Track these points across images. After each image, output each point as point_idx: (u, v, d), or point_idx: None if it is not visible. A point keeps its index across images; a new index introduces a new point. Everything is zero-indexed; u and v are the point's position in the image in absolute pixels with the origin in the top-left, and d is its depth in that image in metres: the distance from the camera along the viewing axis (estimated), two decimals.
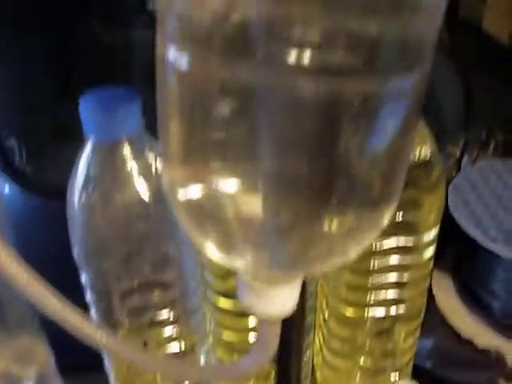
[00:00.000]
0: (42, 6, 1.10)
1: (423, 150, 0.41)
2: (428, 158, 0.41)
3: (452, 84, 1.06)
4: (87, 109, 0.36)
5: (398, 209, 0.41)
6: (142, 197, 0.39)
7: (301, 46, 0.18)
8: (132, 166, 0.38)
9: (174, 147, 0.24)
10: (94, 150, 0.38)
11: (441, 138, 0.86)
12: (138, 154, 0.38)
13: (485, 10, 1.49)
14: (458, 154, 0.81)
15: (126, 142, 0.37)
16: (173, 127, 0.24)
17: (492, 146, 0.82)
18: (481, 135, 0.82)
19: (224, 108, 0.21)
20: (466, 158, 0.80)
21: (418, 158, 0.41)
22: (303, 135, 0.21)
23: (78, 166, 0.39)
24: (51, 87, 1.09)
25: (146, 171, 0.38)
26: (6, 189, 0.89)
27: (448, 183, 0.73)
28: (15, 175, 0.90)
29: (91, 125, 0.36)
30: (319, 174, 0.23)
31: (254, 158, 0.23)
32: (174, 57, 0.20)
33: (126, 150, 0.37)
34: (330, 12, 0.18)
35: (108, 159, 0.38)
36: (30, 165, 0.95)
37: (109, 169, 0.38)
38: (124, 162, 0.38)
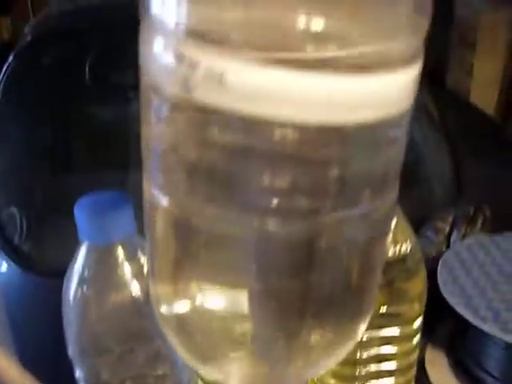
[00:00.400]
0: (44, 89, 1.14)
1: (403, 245, 0.43)
2: (408, 251, 0.43)
3: (441, 158, 1.09)
4: (81, 214, 0.38)
5: (382, 303, 0.43)
6: (135, 296, 0.40)
7: (269, 192, 0.20)
8: (125, 267, 0.40)
9: (159, 266, 0.26)
10: (88, 252, 0.40)
11: (430, 214, 0.89)
12: (131, 256, 0.40)
13: (471, 82, 1.54)
14: (447, 229, 0.83)
15: (119, 244, 0.39)
16: (158, 250, 0.26)
17: (480, 222, 0.83)
18: (469, 211, 0.84)
19: (204, 238, 0.23)
20: (455, 234, 0.82)
21: (399, 252, 0.43)
22: (278, 263, 0.23)
23: (73, 267, 0.41)
24: (52, 161, 1.12)
25: (138, 272, 0.40)
26: (4, 266, 0.90)
27: (438, 259, 0.75)
28: (14, 253, 0.91)
29: (85, 229, 0.38)
30: (296, 294, 0.25)
31: (237, 279, 0.24)
32: (158, 196, 0.23)
33: (119, 252, 0.39)
34: (297, 161, 0.20)
35: (102, 261, 0.40)
36: (29, 242, 0.97)
37: (103, 270, 0.40)
38: (117, 263, 0.40)
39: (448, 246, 0.81)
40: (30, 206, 1.03)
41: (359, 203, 0.23)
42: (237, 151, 0.20)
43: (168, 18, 0.20)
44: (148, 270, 0.28)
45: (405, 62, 0.21)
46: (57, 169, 1.11)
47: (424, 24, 0.22)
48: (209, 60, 0.19)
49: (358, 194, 0.23)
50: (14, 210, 1.01)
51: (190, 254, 0.24)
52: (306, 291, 0.24)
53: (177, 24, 0.19)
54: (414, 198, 1.00)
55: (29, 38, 1.25)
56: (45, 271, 0.85)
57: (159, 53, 0.20)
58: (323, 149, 0.21)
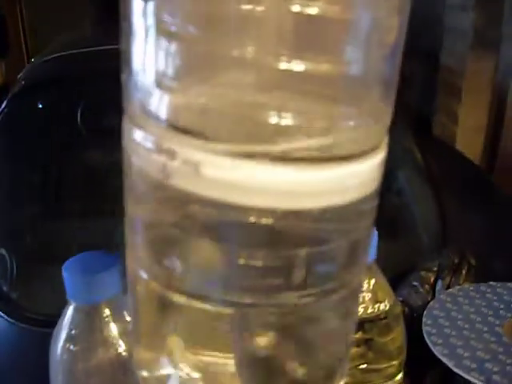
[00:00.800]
0: (36, 134, 1.15)
1: (383, 303, 0.44)
2: (387, 308, 0.44)
3: (427, 205, 1.10)
4: (69, 275, 0.39)
5: (363, 360, 0.44)
6: (121, 354, 0.41)
7: (244, 269, 0.22)
8: (111, 325, 0.41)
9: (141, 333, 0.27)
10: (75, 311, 0.41)
11: (417, 262, 0.89)
12: (117, 315, 0.41)
13: (457, 129, 1.57)
14: (432, 279, 0.84)
15: (106, 304, 0.40)
16: (139, 318, 0.27)
17: (465, 271, 0.85)
18: (454, 260, 0.85)
19: (183, 311, 0.24)
20: (439, 284, 0.83)
21: (378, 310, 0.44)
22: (252, 331, 0.24)
23: (60, 324, 0.42)
24: (42, 206, 1.12)
25: (124, 330, 0.41)
26: None
27: (423, 309, 0.76)
28: (2, 301, 0.91)
29: (73, 290, 0.39)
30: (276, 362, 0.26)
31: (217, 349, 0.25)
32: (138, 269, 0.24)
33: (106, 312, 0.40)
34: (269, 242, 0.22)
35: (88, 319, 0.41)
36: (18, 289, 0.97)
37: (89, 328, 0.41)
38: (104, 322, 0.40)
39: (433, 296, 0.82)
40: (19, 248, 1.03)
41: (329, 280, 0.24)
42: (212, 231, 0.22)
43: (149, 110, 0.21)
44: (131, 335, 0.29)
45: (369, 150, 0.22)
46: (47, 213, 1.12)
47: (388, 111, 0.23)
48: (185, 151, 0.20)
49: (327, 270, 0.24)
50: (3, 251, 1.01)
51: (169, 325, 0.25)
52: (283, 359, 0.25)
53: (157, 117, 0.21)
54: (400, 246, 1.02)
55: (22, 83, 1.27)
56: (33, 321, 0.85)
57: (140, 140, 0.22)
58: (293, 230, 0.22)
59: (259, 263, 0.22)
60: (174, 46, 0.20)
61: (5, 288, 0.95)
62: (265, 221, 0.21)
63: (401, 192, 1.13)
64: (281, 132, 0.20)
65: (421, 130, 1.42)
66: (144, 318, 0.27)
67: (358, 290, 0.26)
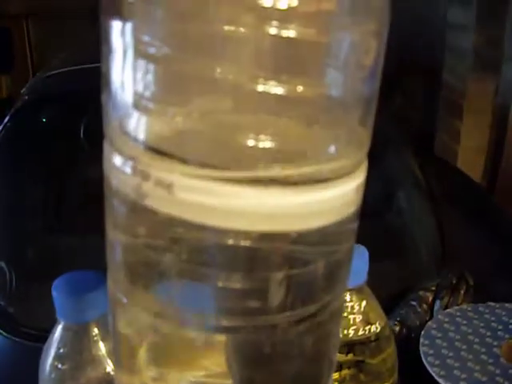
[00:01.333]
0: (39, 149, 1.16)
1: (374, 324, 0.44)
2: (379, 330, 0.44)
3: (427, 224, 1.10)
4: (58, 294, 0.39)
5: (354, 381, 0.44)
6: (109, 373, 0.41)
7: (223, 292, 0.22)
8: (99, 344, 0.40)
9: (122, 357, 0.27)
10: (64, 329, 0.41)
11: (416, 281, 0.89)
12: (106, 334, 0.40)
13: (458, 148, 1.57)
14: (430, 299, 0.83)
15: (95, 323, 0.40)
16: (120, 343, 0.27)
17: (463, 291, 0.84)
18: (452, 280, 0.85)
19: (162, 336, 0.24)
20: (437, 304, 0.82)
21: (369, 332, 0.43)
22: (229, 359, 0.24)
23: (50, 342, 0.42)
24: (43, 221, 1.13)
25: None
26: None
27: (421, 329, 0.75)
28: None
29: (62, 308, 0.39)
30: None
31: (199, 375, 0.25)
32: (117, 292, 0.24)
33: (94, 331, 0.40)
34: (248, 264, 0.22)
35: (77, 338, 0.40)
36: (16, 303, 0.97)
37: (78, 347, 0.41)
38: (92, 341, 0.40)
39: (431, 316, 0.82)
40: (19, 262, 1.03)
41: (309, 301, 0.24)
42: (190, 254, 0.22)
43: (126, 131, 0.21)
44: (112, 358, 0.29)
45: (347, 173, 0.22)
46: (48, 228, 1.12)
47: (367, 135, 0.23)
48: (159, 172, 0.21)
49: (307, 292, 0.24)
50: (2, 264, 1.01)
51: (147, 349, 0.25)
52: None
53: (134, 138, 0.21)
54: (400, 265, 1.01)
55: (25, 98, 1.28)
56: (29, 336, 0.85)
57: (118, 163, 0.22)
58: (271, 253, 0.22)
59: (237, 285, 0.22)
60: (151, 67, 0.20)
61: (2, 302, 0.95)
62: (242, 243, 0.21)
63: (401, 211, 1.13)
64: (258, 155, 0.20)
65: (422, 149, 1.42)
66: (123, 344, 0.26)
67: (340, 311, 0.26)
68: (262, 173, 0.20)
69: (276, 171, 0.21)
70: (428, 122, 1.76)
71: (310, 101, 0.21)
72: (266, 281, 0.22)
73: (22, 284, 0.99)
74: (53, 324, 0.42)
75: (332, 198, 0.22)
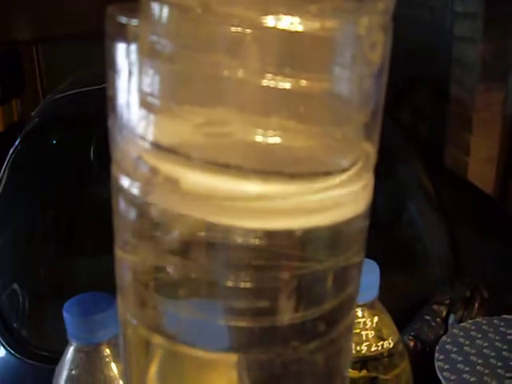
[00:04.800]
0: (49, 172, 1.16)
1: (387, 340, 0.43)
2: (392, 346, 0.44)
3: (439, 237, 1.09)
4: (69, 316, 0.39)
5: None
6: None
7: (232, 293, 0.22)
8: (111, 365, 0.40)
9: (133, 379, 0.27)
10: (75, 351, 0.41)
11: (429, 294, 0.89)
12: (118, 355, 0.40)
13: (468, 160, 1.57)
14: (444, 312, 0.83)
15: (106, 344, 0.40)
16: (131, 364, 0.27)
17: (478, 304, 0.83)
18: (466, 293, 0.84)
19: (173, 359, 0.24)
20: (452, 317, 0.82)
21: (382, 347, 0.43)
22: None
23: (61, 364, 0.42)
24: (54, 244, 1.13)
25: None
26: (1, 352, 0.90)
27: (435, 343, 0.75)
28: (12, 338, 0.91)
29: (73, 330, 0.39)
30: None
31: None
32: (127, 314, 0.24)
33: (106, 352, 0.40)
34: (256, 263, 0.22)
35: (89, 360, 0.40)
36: (28, 326, 0.97)
37: (90, 368, 0.41)
38: (104, 362, 0.40)
39: (446, 330, 0.81)
40: (31, 285, 1.04)
41: (321, 303, 0.24)
42: (198, 255, 0.22)
43: (135, 129, 0.21)
44: (123, 380, 0.29)
45: (354, 169, 0.22)
46: (60, 250, 1.12)
47: (373, 151, 0.23)
48: (166, 168, 0.21)
49: (319, 293, 0.24)
50: (15, 286, 1.01)
51: (161, 370, 0.25)
52: None
53: (141, 136, 0.21)
54: (411, 278, 1.01)
55: (35, 121, 1.29)
56: (42, 358, 0.85)
57: (127, 158, 0.22)
58: (278, 251, 0.22)
59: (248, 285, 0.22)
60: (158, 66, 0.20)
61: (15, 324, 0.96)
62: (251, 241, 0.21)
63: (412, 223, 1.13)
64: (266, 151, 0.20)
65: (432, 161, 1.42)
66: (134, 364, 0.26)
67: (351, 328, 0.26)
68: (269, 168, 0.20)
69: (283, 167, 0.21)
70: (437, 135, 1.75)
71: (317, 97, 0.21)
72: (275, 281, 0.22)
73: (34, 306, 0.99)
74: (65, 346, 0.42)
75: (339, 195, 0.22)
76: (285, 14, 0.19)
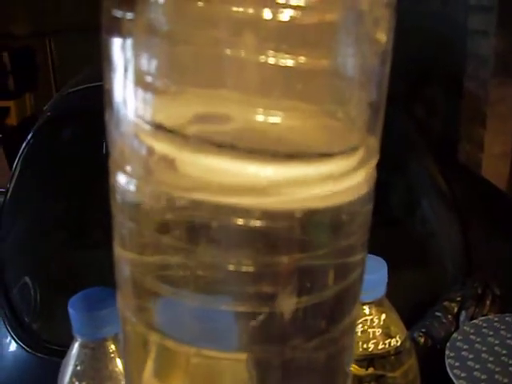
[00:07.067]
0: (61, 165, 1.17)
1: (395, 338, 0.43)
2: (399, 344, 0.43)
3: (451, 233, 1.08)
4: (74, 310, 0.39)
5: None
6: None
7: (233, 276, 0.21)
8: (116, 361, 0.40)
9: (133, 375, 0.27)
10: (81, 346, 0.40)
11: (442, 290, 0.88)
12: None
13: (482, 155, 1.55)
14: (455, 309, 0.82)
15: (111, 339, 0.40)
16: (131, 361, 0.26)
17: (489, 301, 0.83)
18: (478, 290, 0.83)
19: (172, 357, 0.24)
20: (463, 314, 0.81)
21: (389, 345, 0.43)
22: None
23: (67, 360, 0.42)
24: (66, 237, 1.13)
25: None
26: (12, 346, 0.91)
27: (446, 340, 0.74)
28: (23, 332, 0.92)
29: (78, 325, 0.39)
30: None
31: None
32: (126, 311, 0.24)
33: (111, 347, 0.40)
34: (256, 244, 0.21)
35: (94, 355, 0.40)
36: (40, 319, 0.97)
37: (95, 363, 0.41)
38: (109, 357, 0.40)
39: (457, 327, 0.80)
40: (43, 278, 1.04)
41: (322, 289, 0.23)
42: (197, 238, 0.21)
43: (131, 109, 0.21)
44: (124, 377, 0.29)
45: (355, 150, 0.22)
46: (71, 243, 1.13)
47: (376, 143, 0.23)
48: (162, 148, 0.20)
49: (321, 278, 0.23)
50: (27, 279, 1.02)
51: (159, 366, 0.24)
52: None
53: (137, 115, 0.21)
54: (424, 275, 1.00)
55: (48, 115, 1.29)
56: (53, 352, 0.86)
57: (125, 138, 0.22)
58: (279, 234, 0.21)
59: (249, 269, 0.21)
60: (156, 44, 0.20)
61: (26, 318, 0.96)
62: (250, 223, 0.20)
63: (425, 220, 1.12)
64: (266, 131, 0.20)
65: (445, 157, 1.40)
66: (133, 360, 0.26)
67: (353, 326, 0.26)
68: (267, 148, 0.20)
69: (281, 147, 0.20)
70: (450, 130, 1.74)
71: (317, 75, 0.20)
72: (276, 265, 0.22)
73: (45, 300, 1.00)
74: None
75: (339, 177, 0.21)
76: None
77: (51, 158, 1.24)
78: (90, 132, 1.19)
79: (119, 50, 0.21)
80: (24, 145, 1.20)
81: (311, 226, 0.22)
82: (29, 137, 1.22)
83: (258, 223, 0.21)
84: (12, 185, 1.16)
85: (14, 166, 1.19)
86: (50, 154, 1.24)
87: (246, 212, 0.21)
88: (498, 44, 1.49)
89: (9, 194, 1.15)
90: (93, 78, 1.23)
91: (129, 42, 0.20)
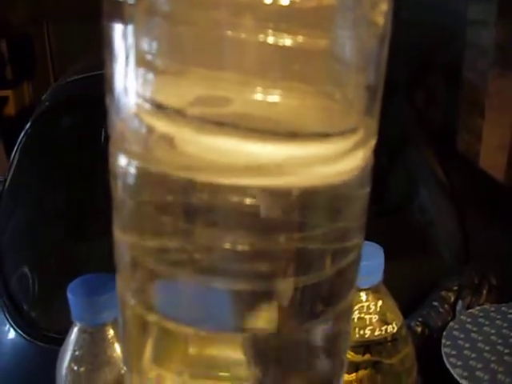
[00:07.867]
0: (59, 154, 1.17)
1: (391, 324, 0.43)
2: (396, 330, 0.44)
3: (449, 223, 1.09)
4: (73, 295, 0.39)
5: (372, 382, 0.43)
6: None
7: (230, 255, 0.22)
8: (115, 346, 0.41)
9: (132, 358, 0.27)
10: (79, 332, 0.41)
11: (439, 280, 0.88)
12: None
13: (480, 146, 1.55)
14: (452, 299, 0.82)
15: (110, 325, 0.40)
16: (130, 343, 0.27)
17: (486, 291, 0.83)
18: (474, 279, 0.84)
19: (170, 337, 0.24)
20: (460, 304, 0.81)
21: (386, 332, 0.43)
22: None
23: (66, 345, 0.42)
24: (65, 227, 1.14)
25: None
26: (11, 334, 0.91)
27: (443, 329, 0.74)
28: (21, 320, 0.92)
29: (77, 311, 0.40)
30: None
31: (207, 371, 0.25)
32: (126, 294, 0.24)
33: (110, 333, 0.40)
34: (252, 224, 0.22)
35: (93, 340, 0.41)
36: (38, 307, 0.98)
37: (93, 349, 0.41)
38: (108, 343, 0.41)
39: (453, 316, 0.81)
40: (42, 267, 1.04)
41: (319, 268, 0.23)
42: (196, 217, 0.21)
43: (132, 89, 0.21)
44: (122, 360, 0.29)
45: (351, 131, 0.22)
46: (70, 233, 1.13)
47: (374, 125, 0.23)
48: (162, 126, 0.21)
49: (318, 258, 0.23)
50: (25, 269, 1.02)
51: (158, 350, 0.25)
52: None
53: (138, 94, 0.21)
54: (421, 264, 1.00)
55: (46, 104, 1.29)
56: (51, 340, 0.86)
57: (125, 119, 0.22)
58: (278, 213, 0.22)
59: (246, 248, 0.21)
60: (157, 24, 0.20)
61: (25, 306, 0.96)
62: (247, 201, 0.21)
63: (423, 209, 1.12)
64: (264, 110, 0.20)
65: (444, 147, 1.40)
66: (133, 346, 0.26)
67: (349, 311, 0.26)
68: (266, 128, 0.20)
69: (281, 126, 0.20)
70: (449, 121, 1.74)
71: (316, 56, 0.21)
72: (273, 244, 0.22)
73: (44, 289, 1.00)
74: None
75: (336, 157, 0.22)
76: None
77: (49, 148, 1.24)
78: (88, 121, 1.19)
79: (120, 35, 0.21)
80: (22, 134, 1.20)
81: (309, 206, 0.22)
82: (27, 126, 1.21)
83: (256, 202, 0.21)
84: (10, 174, 1.16)
85: (13, 155, 1.18)
86: (49, 143, 1.24)
87: (244, 191, 0.21)
88: (498, 34, 1.49)
89: (7, 184, 1.15)
90: (91, 67, 1.22)
91: (130, 27, 0.20)
